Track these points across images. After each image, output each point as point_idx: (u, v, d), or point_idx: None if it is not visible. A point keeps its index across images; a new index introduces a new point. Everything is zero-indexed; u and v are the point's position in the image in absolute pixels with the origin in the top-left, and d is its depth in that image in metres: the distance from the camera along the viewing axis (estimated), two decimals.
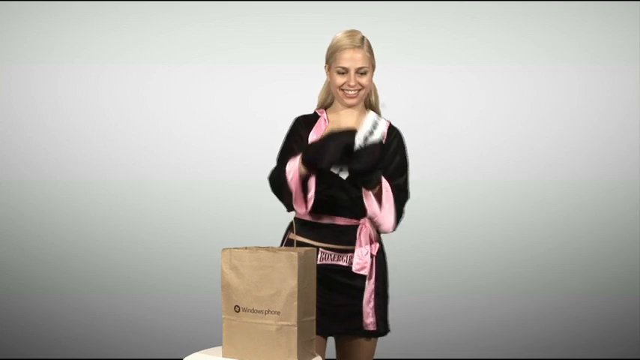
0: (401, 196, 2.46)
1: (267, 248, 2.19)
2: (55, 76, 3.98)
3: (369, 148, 2.26)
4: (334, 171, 2.30)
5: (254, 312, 2.10)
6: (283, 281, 2.06)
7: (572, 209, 4.01)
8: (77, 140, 3.99)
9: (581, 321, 3.99)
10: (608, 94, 4.00)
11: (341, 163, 2.25)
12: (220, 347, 2.18)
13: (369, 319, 2.45)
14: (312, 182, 2.34)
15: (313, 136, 2.44)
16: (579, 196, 4.00)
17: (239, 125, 3.97)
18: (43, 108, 3.99)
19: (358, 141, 2.26)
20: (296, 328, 2.06)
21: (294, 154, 2.38)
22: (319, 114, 2.52)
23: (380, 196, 2.37)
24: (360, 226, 2.43)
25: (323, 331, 2.39)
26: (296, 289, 2.05)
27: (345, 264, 2.43)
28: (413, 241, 3.86)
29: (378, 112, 2.56)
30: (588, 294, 3.99)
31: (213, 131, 3.98)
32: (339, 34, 2.45)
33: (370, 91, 2.52)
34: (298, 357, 2.06)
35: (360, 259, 2.42)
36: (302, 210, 2.38)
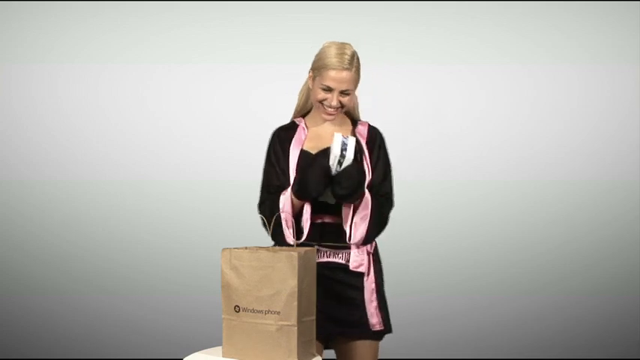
0: (385, 206, 2.45)
1: (267, 248, 2.19)
2: (55, 76, 3.98)
3: (346, 172, 2.28)
4: (322, 199, 2.35)
5: (254, 312, 2.10)
6: (283, 281, 2.06)
7: (572, 209, 4.01)
8: (77, 140, 3.99)
9: (581, 321, 3.99)
10: (608, 94, 4.00)
11: (325, 188, 2.30)
12: (220, 347, 2.18)
13: (375, 319, 2.44)
14: (306, 209, 2.35)
15: (294, 149, 2.44)
16: (579, 196, 4.00)
17: (239, 125, 3.96)
18: (43, 108, 3.99)
19: (332, 165, 2.28)
20: (296, 328, 2.06)
21: (277, 177, 2.42)
22: (297, 123, 2.52)
23: (357, 208, 2.37)
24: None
25: (321, 333, 2.36)
26: (296, 289, 2.05)
27: (342, 261, 2.42)
28: (413, 241, 3.86)
29: (356, 118, 2.56)
30: (588, 294, 3.99)
31: (213, 131, 3.98)
32: (331, 48, 2.39)
33: None
34: (298, 357, 2.06)
35: (357, 257, 2.41)
36: (292, 240, 2.34)
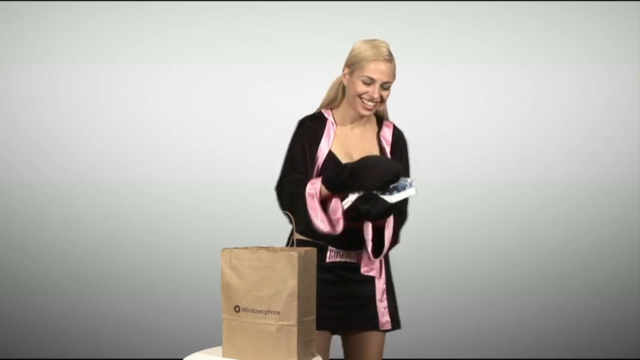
0: (400, 219, 2.43)
1: (267, 248, 2.18)
2: (55, 76, 3.98)
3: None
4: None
5: (254, 312, 2.10)
6: (283, 281, 2.06)
7: (572, 209, 4.01)
8: (77, 140, 4.00)
9: (581, 321, 4.00)
10: (608, 94, 4.00)
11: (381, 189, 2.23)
12: (220, 347, 2.18)
13: (384, 318, 2.45)
14: (337, 203, 2.28)
15: (324, 143, 2.39)
16: (579, 196, 4.00)
17: (239, 125, 3.97)
18: (43, 108, 3.99)
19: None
20: (296, 328, 2.06)
21: (303, 164, 2.36)
22: (326, 115, 2.46)
23: (382, 229, 2.35)
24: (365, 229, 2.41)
25: (331, 327, 2.38)
26: (296, 289, 2.05)
27: (354, 261, 2.42)
28: (413, 241, 3.84)
29: (386, 118, 2.54)
30: (588, 294, 3.99)
31: (213, 131, 3.98)
32: (367, 43, 2.38)
33: None
34: (298, 357, 2.06)
35: (368, 262, 2.41)
36: (327, 229, 2.29)
